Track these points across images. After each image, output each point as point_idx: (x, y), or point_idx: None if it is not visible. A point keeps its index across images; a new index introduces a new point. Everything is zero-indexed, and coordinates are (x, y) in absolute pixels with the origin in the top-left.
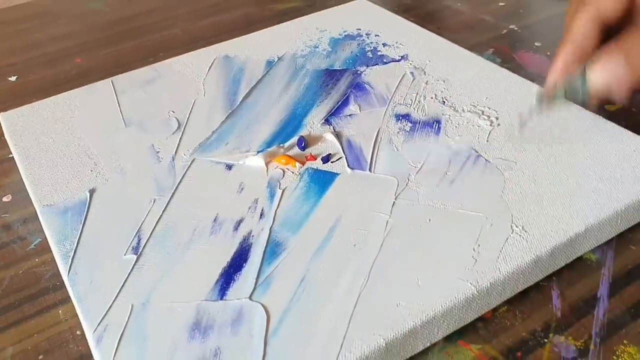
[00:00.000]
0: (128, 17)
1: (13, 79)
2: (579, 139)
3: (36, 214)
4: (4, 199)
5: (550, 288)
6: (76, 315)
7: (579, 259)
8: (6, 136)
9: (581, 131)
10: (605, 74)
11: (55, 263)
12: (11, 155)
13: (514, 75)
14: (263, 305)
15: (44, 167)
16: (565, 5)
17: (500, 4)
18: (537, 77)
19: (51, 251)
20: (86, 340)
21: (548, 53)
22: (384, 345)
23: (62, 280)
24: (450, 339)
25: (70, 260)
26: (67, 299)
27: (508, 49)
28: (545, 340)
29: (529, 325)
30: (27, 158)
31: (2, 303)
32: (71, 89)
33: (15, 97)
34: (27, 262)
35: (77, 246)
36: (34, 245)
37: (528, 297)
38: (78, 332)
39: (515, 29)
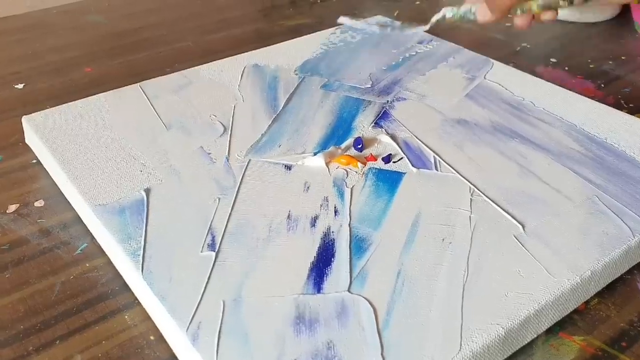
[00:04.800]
0: (133, 30)
1: (20, 86)
2: None
3: (76, 218)
4: (36, 204)
5: (634, 280)
6: (147, 319)
7: None
8: (31, 139)
9: None
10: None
11: (111, 267)
12: (35, 161)
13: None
14: (365, 298)
15: (85, 169)
16: (569, 27)
17: (507, 24)
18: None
19: (103, 255)
20: (164, 345)
21: (566, 68)
22: (503, 334)
23: (122, 284)
24: (551, 331)
25: (140, 259)
26: (131, 304)
27: (527, 64)
28: None
29: (625, 316)
30: (64, 160)
31: (57, 310)
32: (87, 96)
33: (26, 104)
34: (77, 268)
35: (144, 245)
36: (81, 250)
37: (615, 289)
38: (152, 337)
39: (528, 46)
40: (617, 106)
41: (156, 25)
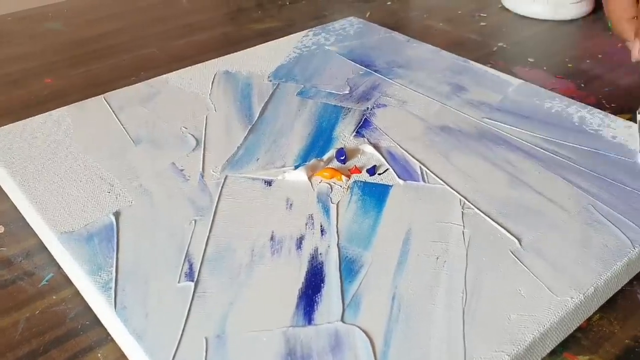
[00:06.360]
0: (93, 37)
1: None
2: None
3: (40, 245)
4: None
5: (635, 293)
6: (122, 356)
7: None
8: None
9: None
10: None
11: (80, 299)
12: None
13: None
14: (360, 328)
15: (48, 191)
16: (544, 26)
17: (482, 23)
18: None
19: (71, 286)
20: None
21: (545, 68)
22: None
23: (93, 318)
24: (554, 352)
25: (112, 292)
26: (104, 339)
27: (504, 64)
28: None
29: (629, 332)
30: (25, 182)
31: (22, 350)
32: (48, 110)
33: None
34: (43, 301)
35: (116, 276)
36: (47, 281)
37: (616, 302)
38: None
39: (504, 46)
40: (599, 106)
41: (118, 32)
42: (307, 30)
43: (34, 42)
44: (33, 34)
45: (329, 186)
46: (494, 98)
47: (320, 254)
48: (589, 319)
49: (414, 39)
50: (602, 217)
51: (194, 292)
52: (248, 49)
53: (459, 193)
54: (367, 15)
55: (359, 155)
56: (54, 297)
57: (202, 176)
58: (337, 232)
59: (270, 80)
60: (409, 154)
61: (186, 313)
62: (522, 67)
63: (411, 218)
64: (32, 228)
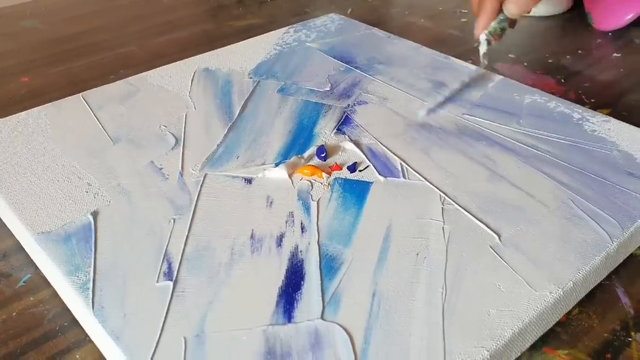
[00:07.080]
0: (72, 36)
1: None
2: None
3: (17, 246)
4: None
5: (613, 286)
6: (101, 358)
7: (631, 256)
8: None
9: None
10: (516, 6)
11: (58, 300)
12: None
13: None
14: (340, 325)
15: (25, 191)
16: (523, 22)
17: (463, 19)
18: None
19: (48, 287)
20: None
21: (525, 64)
22: (488, 357)
23: (72, 319)
24: (534, 347)
25: (90, 293)
26: (83, 340)
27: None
28: (629, 339)
29: (607, 325)
30: (1, 182)
31: None
32: (26, 109)
33: None
34: (20, 302)
35: (94, 276)
36: (24, 282)
37: (595, 297)
38: None
39: None
40: (579, 102)
41: (97, 30)
42: (287, 27)
43: (11, 40)
44: (9, 32)
45: (310, 183)
46: (475, 94)
47: (301, 251)
48: (568, 313)
49: (395, 35)
50: (582, 211)
51: (173, 291)
52: (228, 46)
53: (439, 189)
54: (348, 12)
55: (340, 153)
56: (32, 299)
57: (182, 175)
58: (318, 229)
59: (251, 78)
60: (390, 150)
61: (165, 313)
62: (502, 63)
63: (391, 214)
64: (8, 228)
